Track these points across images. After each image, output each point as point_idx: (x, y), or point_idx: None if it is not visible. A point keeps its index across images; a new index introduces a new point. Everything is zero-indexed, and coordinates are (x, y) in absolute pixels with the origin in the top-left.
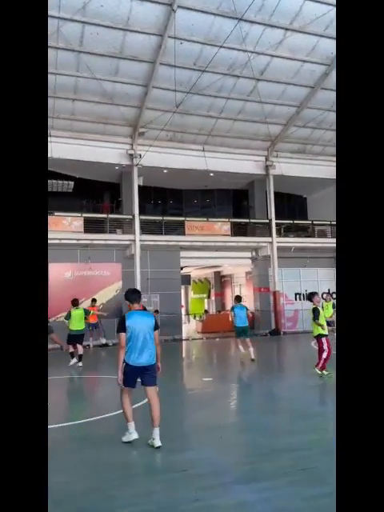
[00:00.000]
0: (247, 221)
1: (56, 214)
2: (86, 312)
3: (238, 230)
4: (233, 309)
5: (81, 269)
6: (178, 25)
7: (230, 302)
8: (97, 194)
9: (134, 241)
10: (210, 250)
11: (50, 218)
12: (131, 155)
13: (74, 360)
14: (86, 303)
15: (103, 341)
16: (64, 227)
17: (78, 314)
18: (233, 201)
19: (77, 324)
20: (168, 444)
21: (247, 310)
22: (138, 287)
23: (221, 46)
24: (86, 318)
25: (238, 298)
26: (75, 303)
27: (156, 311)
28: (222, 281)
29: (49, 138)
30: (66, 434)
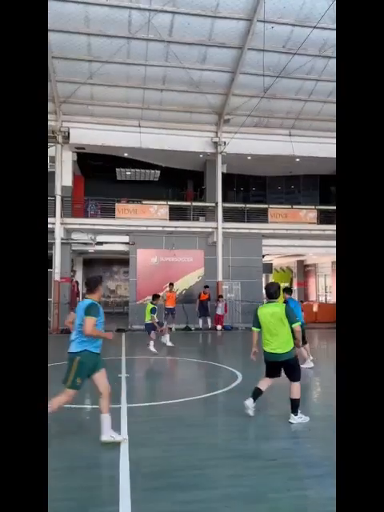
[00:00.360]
0: (335, 208)
1: (144, 202)
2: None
3: (325, 218)
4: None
5: (166, 255)
6: (268, 7)
7: (313, 293)
8: (181, 182)
9: (217, 228)
10: (293, 238)
11: (138, 205)
12: (216, 143)
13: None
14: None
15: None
16: (151, 215)
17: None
18: (319, 187)
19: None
20: (258, 432)
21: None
22: (220, 274)
23: (314, 27)
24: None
25: (289, 290)
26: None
27: (220, 296)
28: (305, 270)
29: (139, 129)
30: (161, 413)
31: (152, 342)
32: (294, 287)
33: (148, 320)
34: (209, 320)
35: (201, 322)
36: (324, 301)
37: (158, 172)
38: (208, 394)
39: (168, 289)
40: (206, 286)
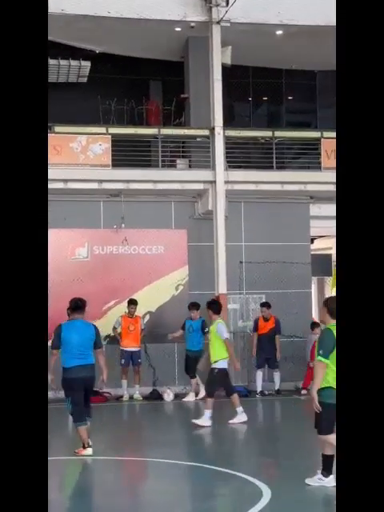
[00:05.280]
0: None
1: (57, 129)
2: None
3: None
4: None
5: (107, 241)
6: None
7: None
8: (137, 85)
9: (214, 182)
10: None
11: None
12: (210, 3)
13: None
14: None
15: None
16: (73, 156)
17: None
18: None
19: None
20: None
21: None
22: (221, 280)
23: None
24: None
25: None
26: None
27: (316, 324)
28: None
29: None
30: None
31: None
32: None
33: None
34: (276, 376)
35: (258, 377)
36: None
37: (88, 65)
38: None
39: (125, 311)
40: (267, 305)
